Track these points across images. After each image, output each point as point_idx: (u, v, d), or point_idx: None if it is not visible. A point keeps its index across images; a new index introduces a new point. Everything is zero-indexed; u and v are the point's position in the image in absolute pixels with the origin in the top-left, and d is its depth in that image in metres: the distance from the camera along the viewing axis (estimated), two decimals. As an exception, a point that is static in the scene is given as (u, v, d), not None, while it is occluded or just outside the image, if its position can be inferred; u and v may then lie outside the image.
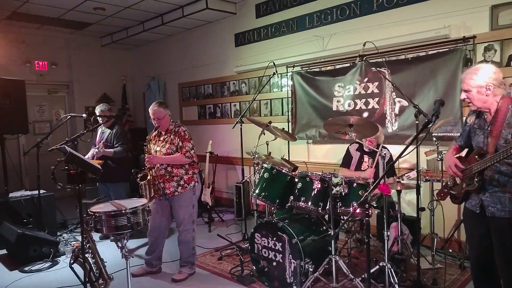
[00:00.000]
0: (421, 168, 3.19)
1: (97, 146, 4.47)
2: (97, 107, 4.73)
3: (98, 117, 4.55)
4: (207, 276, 3.63)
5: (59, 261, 4.10)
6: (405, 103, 4.15)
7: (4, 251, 4.37)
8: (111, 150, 4.47)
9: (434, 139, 3.51)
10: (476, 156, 2.29)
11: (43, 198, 4.69)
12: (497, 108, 2.23)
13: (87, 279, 3.03)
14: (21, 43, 6.79)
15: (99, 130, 4.76)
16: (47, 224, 4.67)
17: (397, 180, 3.19)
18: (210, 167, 5.58)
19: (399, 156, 2.27)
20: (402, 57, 4.18)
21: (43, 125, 7.42)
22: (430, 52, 3.98)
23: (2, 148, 4.85)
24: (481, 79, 2.21)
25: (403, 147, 2.28)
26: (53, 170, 3.14)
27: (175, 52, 7.28)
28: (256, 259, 3.39)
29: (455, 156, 2.48)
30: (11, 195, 4.81)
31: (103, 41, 7.71)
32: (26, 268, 3.90)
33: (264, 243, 3.32)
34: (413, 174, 3.38)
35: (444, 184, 2.67)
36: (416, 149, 2.87)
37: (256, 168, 4.05)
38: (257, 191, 3.55)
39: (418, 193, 3.05)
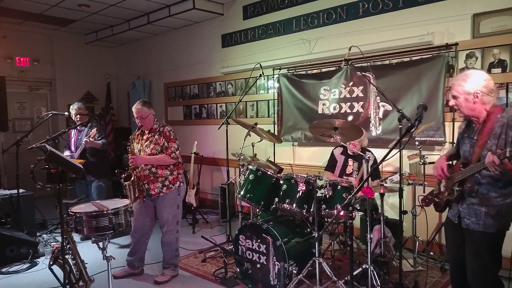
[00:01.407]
0: (403, 172, 3.24)
1: (88, 135, 4.43)
2: (71, 106, 4.67)
3: (78, 115, 4.50)
4: (190, 278, 3.59)
5: (38, 262, 4.00)
6: (389, 107, 4.22)
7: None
8: (99, 142, 4.49)
9: (417, 143, 3.57)
10: (460, 165, 2.26)
11: (22, 197, 4.56)
12: (485, 118, 2.17)
13: (67, 281, 2.96)
14: (1, 38, 6.61)
15: (73, 131, 4.72)
16: (26, 224, 4.55)
17: (381, 183, 3.23)
18: (195, 168, 5.54)
19: (382, 160, 2.30)
20: (387, 62, 4.25)
21: (23, 122, 7.25)
22: (414, 58, 4.05)
23: (-20, 146, 4.72)
24: (470, 86, 2.14)
25: (387, 150, 2.29)
26: (32, 169, 3.07)
27: (161, 51, 7.21)
28: (240, 261, 3.38)
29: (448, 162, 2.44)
30: (-12, 194, 4.67)
31: (88, 38, 7.59)
32: (3, 270, 3.80)
33: (249, 245, 3.31)
34: (396, 177, 3.43)
35: (430, 191, 2.65)
36: (399, 153, 2.91)
37: (242, 169, 4.04)
38: (242, 193, 3.54)
39: (400, 196, 3.10)
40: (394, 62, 4.19)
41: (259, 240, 3.22)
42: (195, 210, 5.28)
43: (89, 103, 7.83)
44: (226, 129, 4.49)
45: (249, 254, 3.31)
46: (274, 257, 3.11)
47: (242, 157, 4.05)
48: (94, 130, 4.44)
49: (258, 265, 3.24)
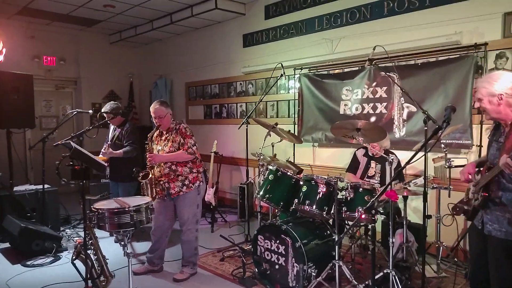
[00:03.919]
0: (428, 175, 3.15)
1: (103, 148, 4.34)
2: (106, 105, 4.63)
3: (104, 114, 4.49)
4: (208, 277, 3.60)
5: (61, 256, 4.10)
6: (413, 108, 4.11)
7: (7, 245, 4.37)
8: (120, 151, 4.29)
9: (443, 146, 3.46)
10: (486, 171, 2.21)
11: (47, 192, 4.69)
12: None
13: (88, 276, 3.02)
14: (30, 38, 6.83)
15: (112, 127, 4.63)
16: (50, 219, 4.68)
17: (404, 186, 3.15)
18: (214, 167, 5.56)
19: (408, 163, 2.23)
20: (412, 62, 4.14)
21: (49, 120, 7.46)
22: (440, 58, 3.94)
23: (9, 142, 4.87)
24: (494, 88, 2.10)
25: (410, 153, 2.24)
26: (57, 165, 3.14)
27: (183, 51, 7.28)
28: (258, 262, 3.37)
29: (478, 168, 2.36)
30: (15, 188, 4.82)
31: (112, 38, 7.74)
32: (29, 262, 3.91)
33: (267, 245, 3.29)
34: (420, 180, 3.34)
35: (461, 199, 2.55)
36: (424, 155, 2.83)
37: (261, 169, 4.03)
38: (261, 193, 3.52)
39: (425, 200, 3.01)
40: (420, 62, 4.08)
41: (278, 241, 3.19)
42: (214, 209, 5.30)
43: (113, 101, 7.97)
44: (246, 129, 4.48)
45: (267, 255, 3.29)
46: (293, 259, 3.08)
47: (261, 157, 4.04)
48: (107, 145, 4.32)
49: (277, 266, 3.22)
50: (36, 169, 6.88)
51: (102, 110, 4.49)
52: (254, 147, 4.56)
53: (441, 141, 3.51)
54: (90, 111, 4.55)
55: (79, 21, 6.67)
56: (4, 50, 4.62)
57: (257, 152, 4.07)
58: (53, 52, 7.20)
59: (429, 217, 3.29)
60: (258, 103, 4.81)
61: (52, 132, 4.53)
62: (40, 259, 3.98)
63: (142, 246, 4.34)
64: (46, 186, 4.67)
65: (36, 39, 6.92)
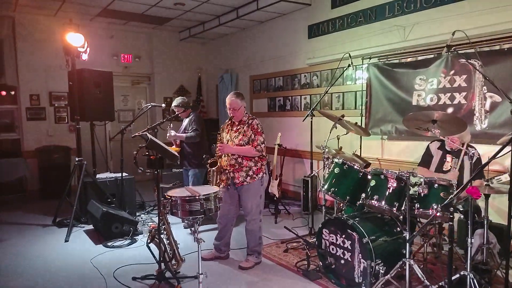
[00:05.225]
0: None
1: (167, 132, 4.69)
2: (174, 100, 4.93)
3: (174, 108, 4.77)
4: (272, 267, 3.65)
5: (137, 239, 4.41)
6: (497, 98, 3.74)
7: (91, 227, 4.82)
8: (183, 134, 4.69)
9: (533, 139, 3.11)
10: None
11: (125, 180, 5.08)
12: None
13: (161, 259, 3.22)
14: (110, 38, 7.39)
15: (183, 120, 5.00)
16: (127, 205, 5.06)
17: (486, 183, 2.89)
18: (278, 159, 5.58)
19: (493, 157, 2.05)
20: (497, 47, 3.76)
21: (126, 113, 8.04)
22: (531, 42, 3.53)
23: (92, 134, 5.33)
24: None
25: (492, 147, 2.05)
26: (135, 155, 3.37)
27: (248, 45, 7.38)
28: (323, 255, 3.33)
29: None
30: (98, 176, 5.28)
31: (182, 35, 8.10)
32: (109, 244, 4.25)
33: (332, 239, 3.24)
34: (505, 177, 3.04)
35: None
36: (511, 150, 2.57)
37: (326, 162, 3.96)
38: (326, 186, 3.47)
39: (510, 199, 2.74)
40: (506, 47, 3.69)
41: (343, 236, 3.13)
42: (277, 200, 5.33)
43: (182, 96, 8.35)
44: (311, 121, 4.43)
45: (332, 249, 3.24)
46: (360, 255, 3.00)
47: (327, 149, 3.96)
48: (169, 128, 4.63)
49: (342, 261, 3.15)
50: (115, 159, 7.48)
51: (172, 105, 4.80)
52: (318, 140, 4.49)
53: (531, 134, 3.16)
54: (163, 105, 4.86)
55: (152, 19, 7.07)
56: (88, 50, 5.04)
57: (322, 145, 4.01)
58: (129, 50, 7.73)
59: (515, 217, 2.99)
60: (324, 94, 4.72)
61: (129, 124, 4.90)
62: (119, 241, 4.31)
63: (202, 228, 4.54)
64: (124, 174, 5.06)
65: (114, 38, 7.48)
